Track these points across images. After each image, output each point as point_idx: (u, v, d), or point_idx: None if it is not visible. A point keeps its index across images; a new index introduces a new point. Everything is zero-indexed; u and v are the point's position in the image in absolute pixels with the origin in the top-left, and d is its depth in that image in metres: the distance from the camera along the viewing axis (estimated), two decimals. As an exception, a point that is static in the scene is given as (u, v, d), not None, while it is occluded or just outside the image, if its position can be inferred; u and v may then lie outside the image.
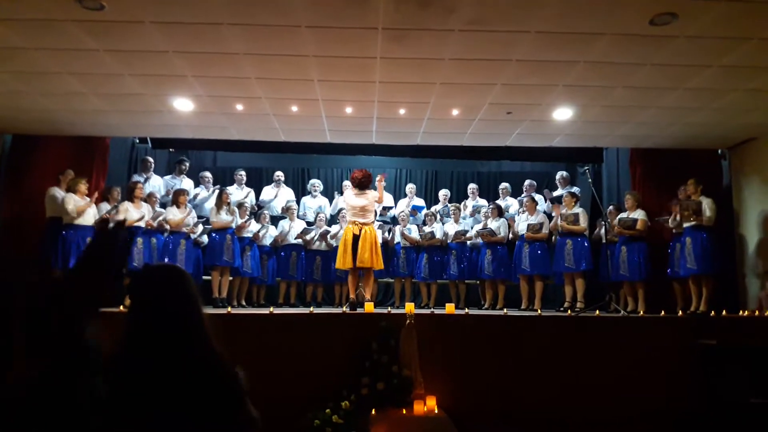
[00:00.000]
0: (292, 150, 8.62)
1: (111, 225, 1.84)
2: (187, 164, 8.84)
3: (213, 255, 7.51)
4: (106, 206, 7.34)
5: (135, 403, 1.66)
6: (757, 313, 6.87)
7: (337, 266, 6.98)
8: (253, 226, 8.04)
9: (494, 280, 8.01)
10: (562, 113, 6.78)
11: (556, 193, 8.65)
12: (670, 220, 7.39)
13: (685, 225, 7.04)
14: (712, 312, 6.60)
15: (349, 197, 6.95)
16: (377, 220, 7.76)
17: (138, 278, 1.88)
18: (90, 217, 6.96)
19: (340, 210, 8.31)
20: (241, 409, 1.77)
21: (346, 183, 9.03)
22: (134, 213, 7.22)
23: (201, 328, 1.81)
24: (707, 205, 6.95)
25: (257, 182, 9.66)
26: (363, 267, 6.71)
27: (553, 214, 7.82)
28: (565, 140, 7.93)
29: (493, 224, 8.02)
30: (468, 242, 8.25)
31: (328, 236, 8.26)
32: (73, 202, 6.82)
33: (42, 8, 4.41)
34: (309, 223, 8.59)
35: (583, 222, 7.52)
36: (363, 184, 6.88)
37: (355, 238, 6.68)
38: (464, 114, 6.88)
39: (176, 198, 7.56)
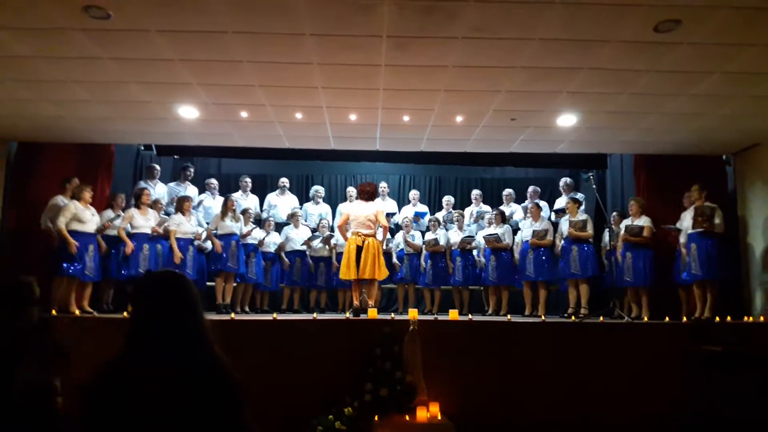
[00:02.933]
0: (296, 157, 8.63)
1: None
2: (192, 171, 8.87)
3: (217, 261, 7.53)
4: (110, 213, 7.36)
5: (135, 408, 1.66)
6: (762, 319, 6.85)
7: (341, 277, 7.03)
8: (258, 233, 8.06)
9: (498, 286, 8.01)
10: (566, 120, 6.79)
11: (558, 201, 8.65)
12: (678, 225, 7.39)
13: (692, 231, 7.03)
14: (717, 318, 6.59)
15: (354, 209, 7.00)
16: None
17: (139, 284, 1.90)
18: (92, 224, 6.96)
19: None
20: (240, 416, 1.77)
21: (350, 189, 9.06)
22: (140, 219, 7.26)
23: (201, 334, 1.82)
24: (715, 212, 6.95)
25: (262, 189, 9.69)
26: (365, 278, 6.75)
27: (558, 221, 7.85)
28: (569, 146, 7.93)
29: (498, 231, 8.03)
30: (474, 250, 8.26)
31: (332, 240, 8.27)
32: (71, 211, 6.78)
33: (48, 17, 4.45)
34: (313, 230, 8.61)
35: (590, 228, 7.53)
36: (371, 196, 6.99)
37: (359, 250, 6.71)
38: (468, 121, 6.89)
39: (180, 205, 7.59)
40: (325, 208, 9.14)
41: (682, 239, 7.22)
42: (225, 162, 10.16)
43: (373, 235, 6.87)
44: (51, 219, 6.99)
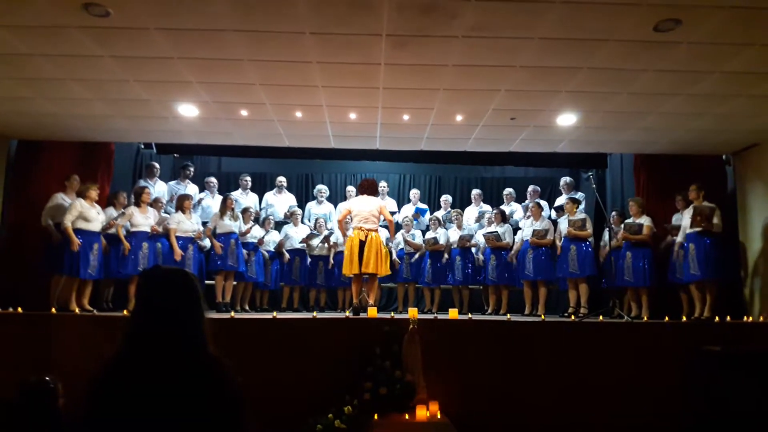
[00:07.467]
0: (296, 155, 8.63)
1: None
2: (192, 169, 8.87)
3: (217, 260, 7.53)
4: (112, 211, 7.36)
5: (132, 404, 1.66)
6: (761, 319, 6.85)
7: (344, 273, 7.02)
8: (257, 231, 8.06)
9: (498, 285, 8.01)
10: (566, 119, 6.78)
11: (558, 200, 8.64)
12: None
13: (689, 231, 7.03)
14: (716, 318, 6.59)
15: (356, 203, 7.01)
16: (380, 226, 7.78)
17: (147, 278, 1.89)
18: (97, 223, 6.96)
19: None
20: (239, 415, 1.77)
21: (350, 189, 9.06)
22: (140, 218, 7.25)
23: (201, 333, 1.82)
24: (714, 212, 6.94)
25: (262, 187, 9.70)
26: (368, 273, 6.75)
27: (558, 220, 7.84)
28: (568, 146, 7.93)
29: (499, 229, 8.03)
30: (473, 248, 8.26)
31: (332, 239, 8.27)
32: (77, 209, 6.77)
33: (48, 15, 4.44)
34: (312, 229, 8.60)
35: (589, 227, 7.53)
36: (372, 191, 7.01)
37: (361, 244, 6.72)
38: (468, 120, 6.89)
39: (181, 203, 7.59)
40: (328, 208, 9.13)
41: (679, 238, 7.22)
42: (225, 160, 10.17)
43: (376, 230, 6.89)
44: (52, 216, 6.98)
